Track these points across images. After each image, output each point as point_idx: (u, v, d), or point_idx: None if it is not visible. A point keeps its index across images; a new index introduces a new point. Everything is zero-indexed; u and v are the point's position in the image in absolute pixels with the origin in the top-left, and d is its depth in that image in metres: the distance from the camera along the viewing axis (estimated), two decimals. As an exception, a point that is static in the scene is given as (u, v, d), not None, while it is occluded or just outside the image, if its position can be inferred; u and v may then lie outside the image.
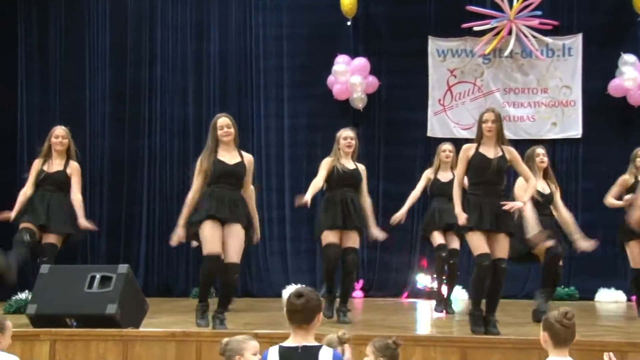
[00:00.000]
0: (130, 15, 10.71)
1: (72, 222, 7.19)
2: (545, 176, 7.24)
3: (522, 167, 6.29)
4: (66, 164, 7.23)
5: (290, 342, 3.62)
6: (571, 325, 3.67)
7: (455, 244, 7.82)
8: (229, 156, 6.22)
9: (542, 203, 6.95)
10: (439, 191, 7.93)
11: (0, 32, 10.06)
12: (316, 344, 3.62)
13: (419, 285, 10.18)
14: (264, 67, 10.63)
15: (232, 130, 6.24)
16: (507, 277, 9.99)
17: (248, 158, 6.35)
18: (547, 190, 7.13)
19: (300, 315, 3.59)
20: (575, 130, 10.19)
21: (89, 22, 10.71)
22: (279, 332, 5.91)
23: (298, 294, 3.64)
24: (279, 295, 9.97)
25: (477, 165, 6.11)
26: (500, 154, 6.11)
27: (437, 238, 7.92)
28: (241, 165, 6.25)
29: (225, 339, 3.96)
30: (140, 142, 10.55)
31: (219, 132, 6.24)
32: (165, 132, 10.55)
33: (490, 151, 6.13)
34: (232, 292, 6.65)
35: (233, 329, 6.27)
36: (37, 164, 7.26)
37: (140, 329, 6.11)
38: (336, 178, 7.06)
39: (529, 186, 6.30)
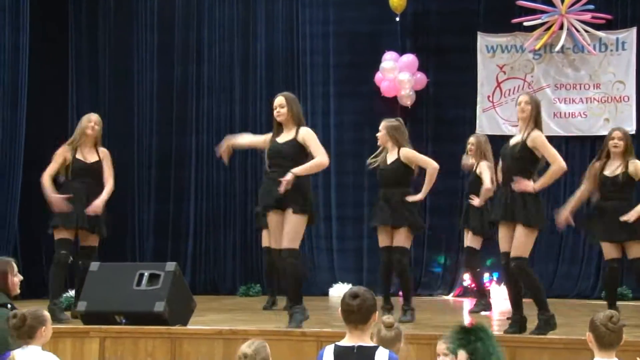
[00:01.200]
0: (177, 14, 10.78)
1: (108, 218, 7.15)
2: (623, 159, 6.67)
3: (547, 151, 5.93)
4: (97, 153, 7.04)
5: (345, 342, 3.60)
6: (617, 329, 3.63)
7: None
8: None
9: (607, 186, 6.65)
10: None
11: (51, 30, 10.19)
12: (372, 344, 3.61)
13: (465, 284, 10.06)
14: (310, 64, 10.61)
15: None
16: (560, 276, 9.97)
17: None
18: (616, 173, 6.64)
19: (357, 316, 3.57)
20: (629, 126, 9.90)
21: (137, 20, 10.81)
22: (327, 331, 5.91)
23: (354, 295, 3.62)
24: (326, 294, 9.95)
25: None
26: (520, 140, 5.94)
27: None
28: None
29: (247, 349, 3.75)
30: (187, 141, 10.62)
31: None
32: (212, 131, 10.60)
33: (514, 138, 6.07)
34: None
35: (280, 327, 6.27)
36: (65, 151, 6.94)
37: (188, 327, 6.14)
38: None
39: (549, 170, 5.96)
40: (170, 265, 6.26)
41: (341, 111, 10.57)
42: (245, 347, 3.78)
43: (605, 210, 6.67)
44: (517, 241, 5.87)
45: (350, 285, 9.83)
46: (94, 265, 6.42)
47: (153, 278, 6.15)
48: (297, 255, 6.06)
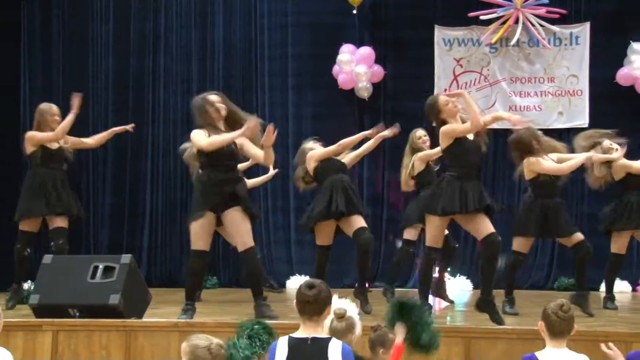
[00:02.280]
0: (133, 3, 10.66)
1: (77, 200, 7.31)
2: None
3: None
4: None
5: (299, 334, 3.62)
6: (567, 317, 3.70)
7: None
8: None
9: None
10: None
11: (2, 20, 10.00)
12: (326, 336, 3.62)
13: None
14: (268, 56, 10.57)
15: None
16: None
17: None
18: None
19: (312, 307, 3.59)
20: (582, 119, 10.10)
21: (92, 9, 10.66)
22: (283, 323, 5.90)
23: (310, 285, 3.64)
24: (283, 286, 9.95)
25: None
26: None
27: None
28: None
29: (189, 346, 3.73)
30: (143, 132, 10.49)
31: None
32: (169, 122, 10.52)
33: None
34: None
35: (237, 319, 6.25)
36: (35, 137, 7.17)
37: (143, 320, 6.09)
38: None
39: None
40: (126, 258, 6.20)
41: (299, 103, 10.56)
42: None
43: None
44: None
45: (307, 277, 9.86)
46: (47, 258, 6.33)
47: (108, 270, 6.09)
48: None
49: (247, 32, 10.58)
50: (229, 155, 6.09)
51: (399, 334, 4.21)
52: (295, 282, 9.72)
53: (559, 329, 3.73)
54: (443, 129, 6.12)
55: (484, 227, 6.07)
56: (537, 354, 3.75)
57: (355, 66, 10.15)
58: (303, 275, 9.67)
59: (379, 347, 4.20)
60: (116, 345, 5.73)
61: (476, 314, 6.34)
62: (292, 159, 10.40)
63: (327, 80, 10.38)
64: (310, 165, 7.02)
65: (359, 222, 6.82)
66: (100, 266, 6.11)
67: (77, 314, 6.02)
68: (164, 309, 7.03)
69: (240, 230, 6.13)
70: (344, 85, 10.29)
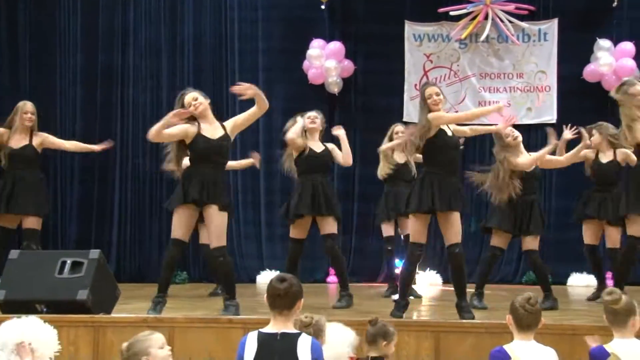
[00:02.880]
0: (102, -3, 10.56)
1: (45, 199, 7.29)
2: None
3: None
4: (31, 138, 7.20)
5: (269, 329, 3.61)
6: (534, 311, 3.76)
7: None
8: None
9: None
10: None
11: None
12: (295, 331, 3.61)
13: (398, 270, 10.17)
14: (239, 51, 10.53)
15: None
16: (483, 262, 10.16)
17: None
18: None
19: (283, 301, 3.58)
20: (550, 115, 10.20)
21: (59, 3, 10.54)
22: (253, 318, 5.90)
23: (281, 279, 3.63)
24: (253, 281, 9.94)
25: None
26: None
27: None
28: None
29: (124, 344, 3.68)
30: (112, 127, 10.41)
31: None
32: (138, 117, 10.43)
33: None
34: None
35: (207, 315, 6.23)
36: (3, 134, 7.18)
37: (112, 315, 6.04)
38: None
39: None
40: (94, 253, 6.13)
41: (269, 98, 10.37)
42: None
43: None
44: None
45: (278, 272, 9.86)
46: (14, 253, 6.25)
47: (76, 266, 6.02)
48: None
49: (217, 27, 10.53)
50: (216, 150, 6.03)
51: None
52: (265, 277, 9.71)
53: (526, 322, 3.79)
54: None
55: (451, 234, 6.11)
56: (505, 347, 3.79)
57: (325, 61, 10.15)
58: (273, 270, 9.66)
59: (381, 339, 4.28)
60: (84, 341, 5.68)
61: (445, 308, 6.39)
62: (262, 153, 10.42)
63: (297, 75, 10.37)
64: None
65: (332, 227, 7.00)
66: (68, 261, 6.04)
67: (45, 309, 5.95)
68: (133, 305, 6.98)
69: (219, 227, 6.07)
70: (314, 80, 10.29)
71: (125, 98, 10.47)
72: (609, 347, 3.80)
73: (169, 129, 6.00)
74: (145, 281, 10.02)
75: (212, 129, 6.08)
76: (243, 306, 6.35)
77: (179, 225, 6.06)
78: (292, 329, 3.60)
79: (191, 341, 5.80)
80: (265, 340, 3.55)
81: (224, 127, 6.16)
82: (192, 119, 6.09)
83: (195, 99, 6.10)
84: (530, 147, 9.92)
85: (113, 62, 10.48)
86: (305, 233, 7.18)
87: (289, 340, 3.54)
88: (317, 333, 4.17)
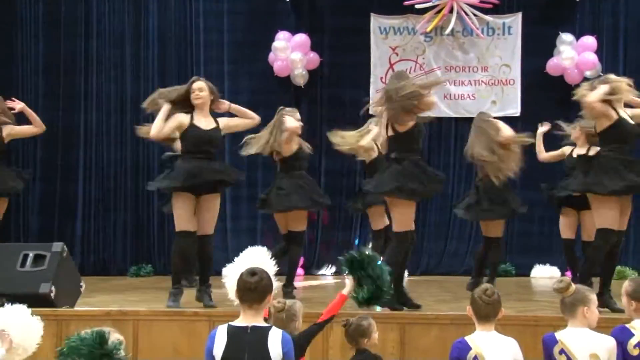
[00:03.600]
0: (65, -14, 10.41)
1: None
2: None
3: None
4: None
5: (239, 322, 3.58)
6: (492, 301, 3.82)
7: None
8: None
9: None
10: None
11: None
12: (266, 324, 3.59)
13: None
14: (204, 43, 10.45)
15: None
16: (449, 254, 10.28)
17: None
18: None
19: (253, 294, 3.55)
20: (514, 108, 10.29)
21: (20, -8, 10.39)
22: (219, 311, 5.88)
23: (252, 272, 3.60)
24: (219, 274, 9.89)
25: None
26: None
27: None
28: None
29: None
30: (75, 118, 10.29)
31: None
32: (102, 108, 10.32)
33: None
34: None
35: (172, 306, 6.19)
36: None
37: (76, 308, 6.00)
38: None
39: None
40: (57, 246, 6.09)
41: (235, 90, 10.46)
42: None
43: None
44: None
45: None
46: (-25, 246, 6.17)
47: (38, 259, 5.97)
48: None
49: (182, 17, 10.44)
50: (207, 140, 6.13)
51: (347, 286, 4.45)
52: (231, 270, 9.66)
53: (484, 312, 3.85)
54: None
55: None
56: (466, 338, 3.83)
57: (291, 53, 10.13)
58: (239, 263, 9.61)
59: (361, 338, 4.32)
60: (47, 334, 5.53)
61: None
62: (228, 147, 10.37)
63: (262, 67, 10.33)
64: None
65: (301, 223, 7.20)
66: (31, 254, 5.99)
67: (7, 303, 5.87)
68: (97, 298, 6.93)
69: (214, 216, 6.28)
70: (279, 73, 10.26)
71: (88, 88, 10.35)
72: (559, 334, 3.87)
73: (166, 121, 6.11)
74: (109, 274, 9.96)
75: (206, 121, 6.20)
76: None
77: (181, 216, 6.09)
78: (262, 323, 3.58)
79: (156, 334, 5.77)
80: (235, 334, 3.52)
81: (216, 121, 6.28)
82: (187, 108, 6.18)
83: (201, 89, 6.23)
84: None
85: (76, 51, 10.34)
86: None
87: (259, 334, 3.52)
88: (290, 318, 4.18)
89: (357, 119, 10.28)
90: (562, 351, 3.80)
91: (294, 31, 10.29)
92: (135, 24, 10.40)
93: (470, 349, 3.76)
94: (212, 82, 10.29)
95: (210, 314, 5.79)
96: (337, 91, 10.46)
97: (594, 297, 3.94)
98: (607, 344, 3.84)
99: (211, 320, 5.60)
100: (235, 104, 10.28)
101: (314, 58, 10.30)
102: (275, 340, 3.49)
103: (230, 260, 10.07)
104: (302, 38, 10.21)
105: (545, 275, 9.75)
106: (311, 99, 10.45)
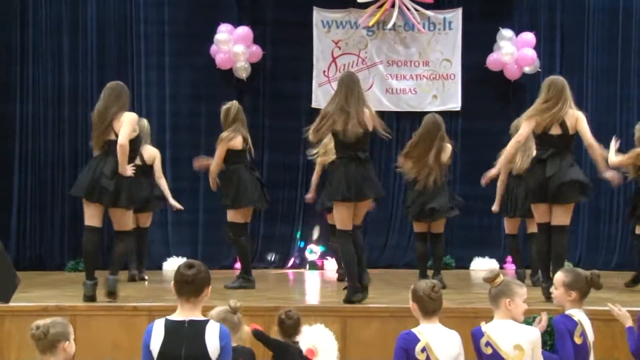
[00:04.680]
0: (-2, -26, 10.14)
1: None
2: None
3: None
4: None
5: (176, 316, 3.55)
6: (438, 297, 3.87)
7: None
8: None
9: None
10: None
11: None
12: (203, 318, 3.56)
13: (310, 256, 10.21)
14: (144, 34, 10.30)
15: None
16: (390, 247, 10.36)
17: None
18: None
19: (190, 287, 3.52)
20: (454, 103, 10.40)
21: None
22: (159, 305, 5.82)
23: (189, 265, 3.57)
24: (160, 268, 9.81)
25: None
26: None
27: None
28: None
29: (39, 329, 3.62)
30: (11, 109, 10.03)
31: None
32: (39, 99, 10.08)
33: None
34: None
35: (112, 302, 6.11)
36: None
37: (11, 304, 5.87)
38: None
39: None
40: (-9, 240, 5.94)
41: (177, 83, 10.37)
42: (41, 320, 3.64)
43: None
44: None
45: (184, 259, 9.75)
46: None
47: (-29, 254, 5.82)
48: None
49: (121, 8, 10.26)
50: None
51: None
52: (172, 264, 9.59)
53: (432, 308, 3.89)
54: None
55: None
56: (414, 330, 3.86)
57: (233, 46, 10.06)
58: (180, 257, 9.56)
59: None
60: (-19, 331, 5.50)
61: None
62: (169, 139, 10.27)
63: (204, 59, 10.24)
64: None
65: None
66: (-36, 249, 5.83)
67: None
68: (33, 293, 6.79)
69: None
70: (222, 65, 10.19)
71: (25, 78, 10.10)
72: (485, 327, 3.92)
73: None
74: (46, 269, 9.76)
75: None
76: (149, 293, 6.27)
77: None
78: (199, 316, 3.55)
79: (94, 329, 5.69)
80: (172, 328, 3.49)
81: None
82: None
83: None
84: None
85: (12, 41, 10.08)
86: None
87: (197, 328, 3.49)
88: (241, 321, 4.22)
89: (299, 112, 10.35)
90: (488, 343, 3.86)
91: (236, 24, 10.22)
92: (72, 14, 10.18)
93: (418, 340, 3.79)
94: (152, 74, 10.33)
95: (150, 309, 5.73)
96: (279, 84, 10.43)
97: (520, 291, 3.95)
98: (531, 335, 3.90)
99: (151, 315, 5.53)
100: (177, 95, 10.32)
101: (257, 51, 10.25)
102: (213, 334, 3.48)
103: (171, 254, 10.15)
104: (244, 31, 10.15)
105: (484, 267, 9.89)
106: (254, 92, 10.40)
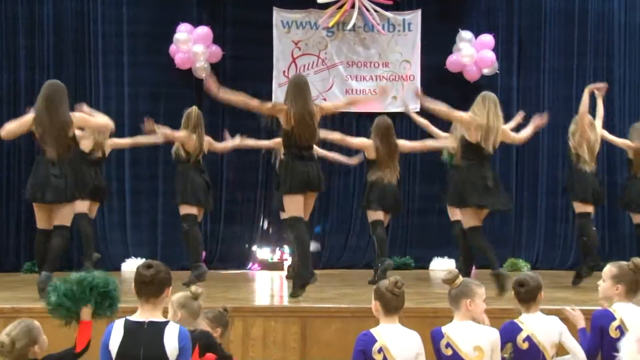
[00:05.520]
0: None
1: None
2: None
3: None
4: None
5: (136, 317, 3.54)
6: (401, 293, 3.87)
7: None
8: None
9: None
10: None
11: None
12: (163, 320, 3.55)
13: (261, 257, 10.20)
14: (102, 33, 10.18)
15: None
16: (350, 248, 10.38)
17: None
18: None
19: (149, 288, 3.51)
20: (414, 104, 10.42)
21: None
22: (119, 306, 5.75)
23: (148, 265, 3.56)
24: (118, 269, 9.71)
25: None
26: None
27: None
28: None
29: (5, 340, 3.75)
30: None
31: None
32: (-8, 100, 9.93)
33: None
34: None
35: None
36: None
37: (-35, 307, 5.76)
38: None
39: None
40: None
41: (135, 82, 10.27)
42: (3, 335, 3.61)
43: None
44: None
45: (143, 260, 9.66)
46: None
47: None
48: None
49: (78, 7, 10.11)
50: None
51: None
52: (130, 265, 9.50)
53: (394, 305, 3.88)
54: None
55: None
56: (372, 331, 3.86)
57: (193, 45, 10.00)
58: (139, 258, 9.48)
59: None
60: None
61: (312, 293, 6.45)
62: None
63: (163, 59, 10.16)
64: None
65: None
66: None
67: None
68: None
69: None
70: (181, 65, 10.12)
71: (-21, 78, 9.93)
72: (445, 328, 3.94)
73: None
74: (2, 270, 9.59)
75: None
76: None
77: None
78: (160, 318, 3.54)
79: (51, 331, 5.55)
80: (131, 329, 3.49)
81: None
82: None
83: None
84: (396, 134, 10.28)
85: (-36, 40, 9.91)
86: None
87: (156, 329, 3.49)
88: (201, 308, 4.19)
89: (259, 112, 10.29)
90: (448, 344, 3.88)
91: (196, 23, 10.16)
92: (28, 12, 10.01)
93: (375, 341, 3.80)
94: (110, 73, 10.21)
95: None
96: (239, 84, 10.28)
97: (479, 291, 3.98)
98: (490, 336, 3.93)
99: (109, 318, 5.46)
100: (136, 95, 10.23)
101: (216, 51, 10.20)
102: (172, 335, 3.48)
103: (130, 255, 10.05)
104: (204, 30, 10.10)
105: (443, 267, 9.96)
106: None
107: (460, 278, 4.01)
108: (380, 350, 3.79)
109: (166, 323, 3.53)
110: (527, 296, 4.20)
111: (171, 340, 3.46)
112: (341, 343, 5.45)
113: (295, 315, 5.70)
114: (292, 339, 5.62)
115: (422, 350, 3.87)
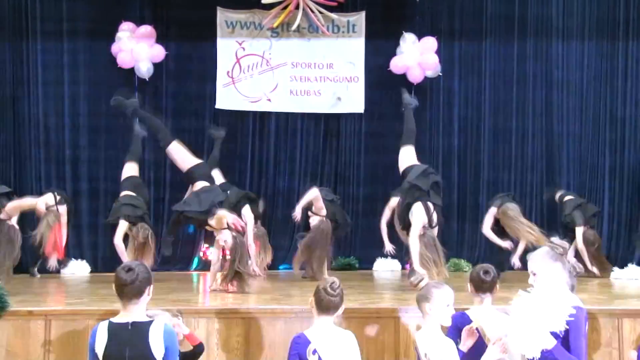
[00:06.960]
0: None
1: None
2: None
3: None
4: None
5: (120, 318, 3.58)
6: (335, 295, 3.87)
7: None
8: None
9: None
10: None
11: None
12: (147, 319, 3.60)
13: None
14: (41, 31, 9.97)
15: None
16: (295, 248, 10.36)
17: None
18: None
19: (130, 289, 3.54)
20: (358, 105, 10.50)
21: None
22: (55, 309, 5.65)
23: (127, 268, 3.61)
24: (58, 271, 9.51)
25: None
26: None
27: None
28: None
29: None
30: None
31: None
32: None
33: None
34: None
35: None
36: None
37: None
38: None
39: None
40: None
41: (75, 81, 10.10)
42: None
43: None
44: None
45: (84, 262, 9.53)
46: None
47: None
48: None
49: (16, 3, 9.90)
50: None
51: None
52: (70, 269, 9.34)
53: (326, 305, 3.90)
54: None
55: None
56: (305, 332, 3.87)
57: (136, 44, 9.88)
58: (80, 260, 9.38)
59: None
60: None
61: (256, 294, 6.42)
62: (69, 140, 9.99)
63: (105, 58, 10.01)
64: None
65: None
66: None
67: None
68: None
69: None
70: (123, 64, 9.98)
71: None
72: (416, 334, 3.96)
73: None
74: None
75: None
76: (47, 298, 6.08)
77: None
78: (143, 318, 3.59)
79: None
80: (115, 330, 3.54)
81: None
82: None
83: None
84: (340, 136, 10.35)
85: None
86: None
87: (140, 329, 3.54)
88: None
89: (202, 112, 10.25)
90: (425, 355, 3.87)
91: (138, 22, 10.04)
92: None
93: (309, 342, 3.81)
94: (49, 72, 10.01)
95: (46, 313, 5.54)
96: (182, 84, 10.31)
97: (438, 292, 3.98)
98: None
99: (47, 319, 5.36)
100: (76, 95, 10.05)
101: (160, 50, 10.10)
102: (157, 335, 3.52)
103: (70, 257, 9.83)
104: (147, 29, 9.98)
105: (386, 268, 10.02)
106: (156, 91, 10.24)
107: (425, 280, 4.04)
108: (314, 351, 3.80)
109: (150, 322, 3.58)
110: (490, 286, 4.19)
111: (157, 340, 3.52)
112: (285, 344, 5.38)
113: (239, 317, 5.68)
114: (236, 340, 5.59)
115: (356, 350, 3.89)
